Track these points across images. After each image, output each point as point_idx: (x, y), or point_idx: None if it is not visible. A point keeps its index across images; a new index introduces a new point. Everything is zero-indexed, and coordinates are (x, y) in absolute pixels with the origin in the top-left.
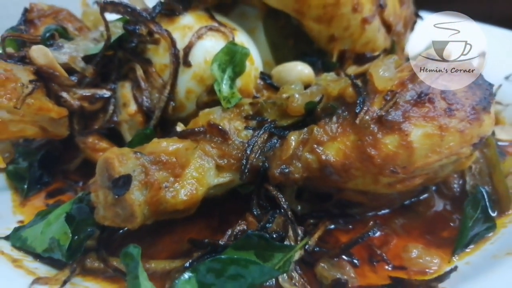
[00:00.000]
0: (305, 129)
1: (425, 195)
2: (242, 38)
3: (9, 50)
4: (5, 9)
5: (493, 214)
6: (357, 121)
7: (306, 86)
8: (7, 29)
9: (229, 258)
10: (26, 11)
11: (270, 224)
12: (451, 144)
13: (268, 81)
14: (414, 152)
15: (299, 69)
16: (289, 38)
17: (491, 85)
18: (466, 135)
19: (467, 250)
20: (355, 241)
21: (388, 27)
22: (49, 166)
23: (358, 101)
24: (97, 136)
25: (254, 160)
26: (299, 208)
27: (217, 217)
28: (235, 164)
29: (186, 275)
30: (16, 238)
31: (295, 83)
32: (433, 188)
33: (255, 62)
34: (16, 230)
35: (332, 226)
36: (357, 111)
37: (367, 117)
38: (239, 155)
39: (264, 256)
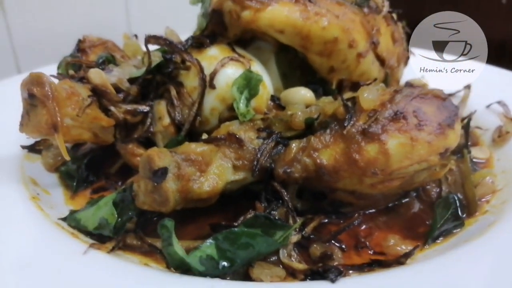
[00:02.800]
0: (305, 139)
1: (407, 199)
2: (257, 68)
3: (70, 72)
4: (63, 38)
5: (462, 216)
6: (345, 132)
7: (308, 106)
8: (65, 56)
9: (241, 230)
10: (79, 41)
11: (275, 212)
12: (420, 152)
13: (276, 102)
14: (390, 157)
15: (303, 93)
16: (297, 69)
17: (456, 107)
18: (433, 145)
19: (438, 241)
20: (343, 229)
21: (381, 61)
22: (94, 168)
23: (346, 117)
24: (136, 144)
25: (263, 162)
26: (299, 205)
27: (232, 210)
28: (248, 165)
29: (208, 241)
30: (71, 219)
31: (298, 104)
32: (414, 194)
33: (267, 87)
34: (71, 213)
35: (326, 221)
36: (345, 124)
37: (353, 129)
38: (251, 158)
39: (268, 233)
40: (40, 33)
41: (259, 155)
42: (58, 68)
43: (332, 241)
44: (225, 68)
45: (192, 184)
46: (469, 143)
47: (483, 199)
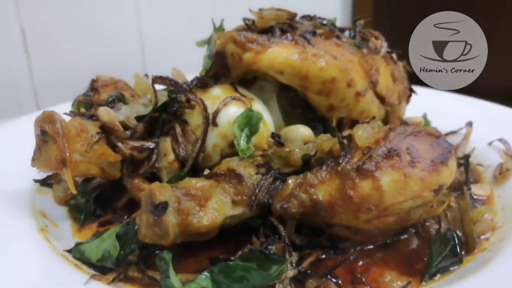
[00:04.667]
0: (301, 175)
1: (405, 236)
2: (258, 107)
3: (82, 110)
4: (81, 77)
5: (461, 253)
6: (340, 169)
7: (306, 143)
8: (78, 95)
9: (236, 264)
10: (93, 81)
11: (271, 246)
12: (413, 188)
13: (276, 139)
14: (384, 193)
15: (301, 131)
16: (297, 107)
17: (450, 145)
18: (426, 182)
19: (435, 278)
20: (339, 264)
21: (381, 99)
22: (102, 202)
23: (342, 154)
24: (142, 179)
25: (261, 197)
26: (298, 240)
27: (233, 244)
28: (246, 200)
29: (203, 274)
30: (76, 251)
31: (296, 141)
32: (413, 230)
33: (268, 124)
34: (77, 245)
35: (324, 256)
36: (340, 161)
37: (348, 166)
38: (250, 193)
39: (263, 267)
40: (60, 73)
41: (257, 191)
42: (72, 106)
43: (329, 276)
44: (227, 107)
45: (192, 218)
46: (469, 180)
47: (482, 237)
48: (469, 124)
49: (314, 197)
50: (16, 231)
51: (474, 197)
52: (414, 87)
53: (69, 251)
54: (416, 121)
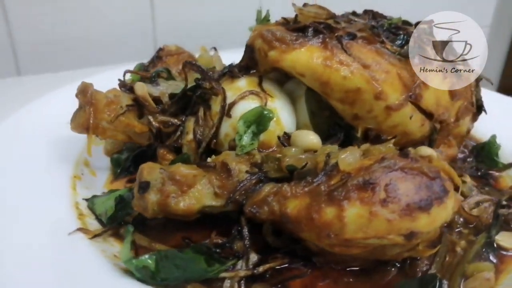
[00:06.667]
0: (280, 184)
1: (387, 267)
2: (277, 104)
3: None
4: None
5: None
6: (312, 188)
7: (308, 151)
8: (139, 63)
9: (175, 252)
10: (160, 49)
11: (229, 244)
12: (377, 228)
13: (281, 140)
14: (345, 225)
15: (310, 138)
16: (325, 110)
17: (445, 191)
18: (393, 225)
19: None
20: (291, 277)
21: (427, 114)
22: (138, 162)
23: (320, 174)
24: (167, 150)
25: (238, 196)
26: (271, 241)
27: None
28: (226, 195)
29: (152, 254)
30: (90, 201)
31: (297, 148)
32: (397, 264)
33: (283, 124)
34: (93, 197)
35: (292, 266)
36: (314, 180)
37: (322, 187)
38: (232, 189)
39: (209, 262)
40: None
41: (237, 189)
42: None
43: (279, 286)
44: (243, 101)
45: (170, 200)
46: (497, 226)
47: None
48: None
49: (283, 209)
50: (47, 175)
51: (499, 245)
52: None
53: (87, 199)
54: (425, 153)
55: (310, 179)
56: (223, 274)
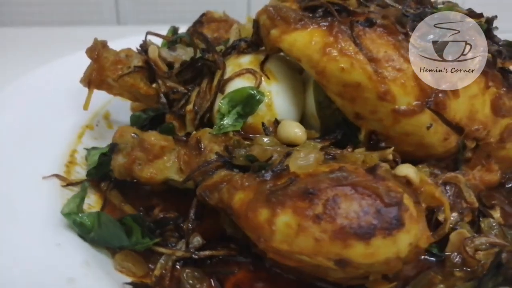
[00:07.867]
0: (235, 172)
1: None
2: (273, 88)
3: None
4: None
5: None
6: (255, 184)
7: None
8: (170, 26)
9: (109, 218)
10: (203, 14)
11: (173, 222)
12: (301, 244)
13: (264, 127)
14: (273, 233)
15: (295, 131)
16: (333, 103)
17: (398, 221)
18: (321, 246)
19: None
20: (222, 272)
21: (457, 128)
22: (156, 124)
23: (270, 171)
24: (173, 116)
25: (196, 176)
26: (229, 230)
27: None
28: (188, 172)
29: (96, 212)
30: (88, 152)
31: (268, 138)
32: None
33: (275, 110)
34: (92, 148)
35: (241, 260)
36: (259, 176)
37: (266, 186)
38: (194, 168)
39: (143, 233)
40: None
41: (197, 168)
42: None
43: (213, 276)
44: (238, 78)
45: (135, 166)
46: (491, 280)
47: None
48: None
49: (230, 200)
50: (59, 122)
51: None
52: None
53: (88, 150)
54: (400, 172)
55: (262, 174)
56: (161, 250)
